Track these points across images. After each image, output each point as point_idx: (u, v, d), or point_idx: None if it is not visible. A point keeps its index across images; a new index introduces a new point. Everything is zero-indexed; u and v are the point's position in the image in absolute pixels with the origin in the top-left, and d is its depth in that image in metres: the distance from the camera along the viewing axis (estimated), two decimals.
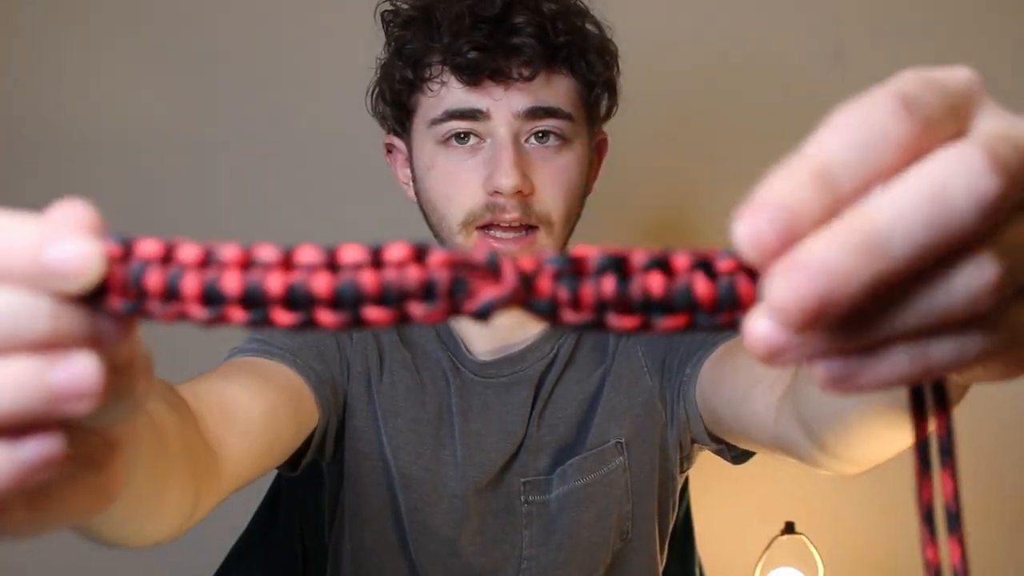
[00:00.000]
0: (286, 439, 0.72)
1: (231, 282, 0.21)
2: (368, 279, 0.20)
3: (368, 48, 0.87)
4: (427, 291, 0.21)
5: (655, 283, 0.21)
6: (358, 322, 0.21)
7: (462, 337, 0.87)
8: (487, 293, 0.21)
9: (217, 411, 0.61)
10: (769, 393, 0.62)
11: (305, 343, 0.81)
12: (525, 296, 0.21)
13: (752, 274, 0.22)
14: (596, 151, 0.85)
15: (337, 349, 0.84)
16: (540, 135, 0.77)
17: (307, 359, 0.79)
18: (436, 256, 0.21)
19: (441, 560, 0.84)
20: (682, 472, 0.89)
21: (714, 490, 1.20)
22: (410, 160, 0.83)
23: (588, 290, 0.21)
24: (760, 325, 0.21)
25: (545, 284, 0.21)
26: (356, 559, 0.87)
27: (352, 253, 0.21)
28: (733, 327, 0.22)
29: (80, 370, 0.22)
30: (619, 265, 0.21)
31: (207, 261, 0.21)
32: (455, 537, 0.84)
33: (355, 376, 0.84)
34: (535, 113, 0.75)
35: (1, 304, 0.22)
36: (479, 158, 0.76)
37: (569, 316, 0.21)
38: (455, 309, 0.21)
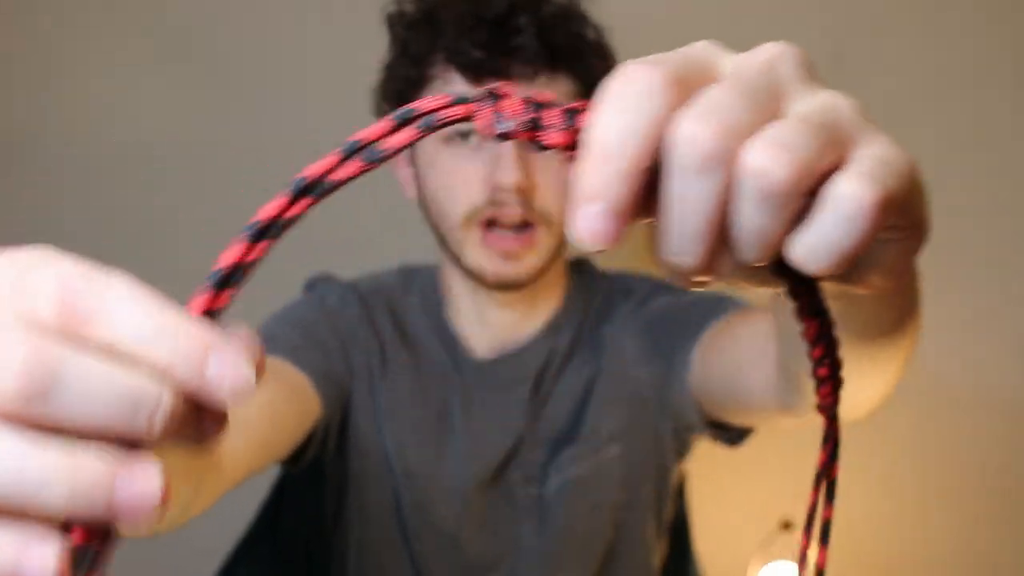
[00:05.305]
0: (286, 434, 0.73)
1: None
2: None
3: (370, 49, 0.87)
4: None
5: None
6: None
7: (462, 337, 0.88)
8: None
9: None
10: (762, 362, 0.64)
11: (308, 341, 0.82)
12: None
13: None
14: None
15: (340, 347, 0.84)
16: None
17: (309, 355, 0.80)
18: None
19: (443, 555, 0.85)
20: (678, 462, 0.90)
21: (712, 485, 1.20)
22: (412, 159, 0.84)
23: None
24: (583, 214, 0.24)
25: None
26: (359, 555, 0.88)
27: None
28: None
29: (145, 487, 0.22)
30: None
31: None
32: (457, 531, 0.85)
33: (358, 374, 0.85)
34: None
35: (126, 384, 0.22)
36: (481, 155, 0.77)
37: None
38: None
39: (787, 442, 1.29)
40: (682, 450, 0.89)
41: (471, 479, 0.84)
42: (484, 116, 0.27)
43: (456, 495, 0.85)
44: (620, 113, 0.24)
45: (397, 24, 0.82)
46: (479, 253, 0.79)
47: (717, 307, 0.80)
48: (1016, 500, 1.30)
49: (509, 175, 0.75)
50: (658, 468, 0.88)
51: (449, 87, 0.78)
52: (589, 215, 0.24)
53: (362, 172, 0.27)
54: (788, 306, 0.31)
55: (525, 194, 0.77)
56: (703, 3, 1.24)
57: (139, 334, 0.23)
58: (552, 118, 0.27)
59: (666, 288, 0.90)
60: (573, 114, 0.27)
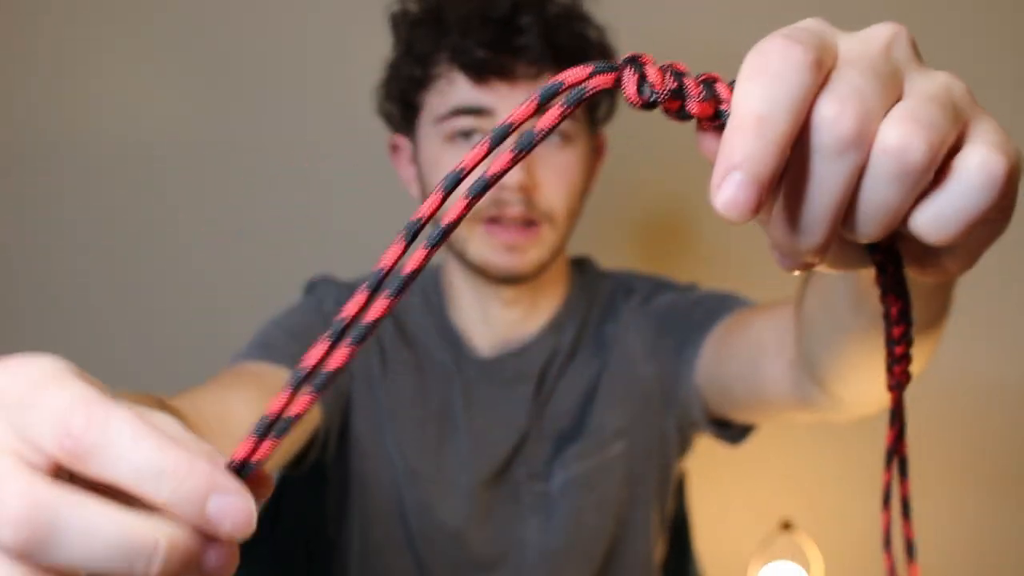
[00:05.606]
0: (287, 442, 0.73)
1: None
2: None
3: (371, 49, 0.87)
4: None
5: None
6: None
7: (465, 336, 0.88)
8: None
9: (215, 422, 0.61)
10: (777, 357, 0.64)
11: (305, 349, 0.81)
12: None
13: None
14: (595, 153, 0.86)
15: None
16: None
17: None
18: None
19: (447, 554, 0.85)
20: (680, 459, 0.90)
21: (712, 485, 1.20)
22: (415, 158, 0.84)
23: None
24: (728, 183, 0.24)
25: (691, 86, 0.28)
26: (362, 557, 0.88)
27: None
28: None
29: None
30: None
31: None
32: (462, 530, 0.85)
33: (357, 376, 0.85)
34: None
35: (122, 532, 0.23)
36: None
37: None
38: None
39: (787, 442, 1.29)
40: (684, 447, 0.89)
41: (475, 477, 0.85)
42: (631, 85, 0.27)
43: (460, 493, 0.85)
44: (772, 85, 0.24)
45: (401, 23, 0.83)
46: (483, 246, 0.79)
47: (723, 304, 0.81)
48: (1017, 500, 1.30)
49: (512, 174, 0.75)
50: (661, 465, 0.88)
51: (453, 86, 0.78)
52: (734, 183, 0.24)
53: (515, 161, 0.26)
54: (842, 295, 0.30)
55: (528, 192, 0.77)
56: (703, 3, 1.24)
57: (140, 472, 0.23)
58: (693, 87, 0.27)
59: (667, 286, 0.90)
60: (710, 84, 0.27)
